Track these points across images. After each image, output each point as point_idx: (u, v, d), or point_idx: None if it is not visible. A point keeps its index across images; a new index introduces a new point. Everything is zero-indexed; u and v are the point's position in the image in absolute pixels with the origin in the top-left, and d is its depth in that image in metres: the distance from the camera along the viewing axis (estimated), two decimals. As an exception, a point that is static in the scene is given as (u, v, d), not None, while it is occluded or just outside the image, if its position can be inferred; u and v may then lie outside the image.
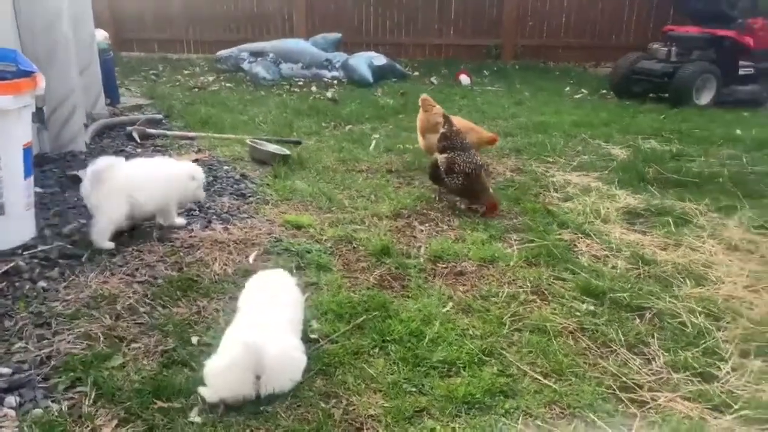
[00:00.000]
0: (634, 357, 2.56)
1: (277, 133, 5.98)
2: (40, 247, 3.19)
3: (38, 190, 3.80)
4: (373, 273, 3.23)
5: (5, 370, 2.30)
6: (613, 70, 8.43)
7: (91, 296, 2.83)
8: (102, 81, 6.01)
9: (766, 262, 3.43)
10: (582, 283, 3.12)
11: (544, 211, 4.09)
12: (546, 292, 3.08)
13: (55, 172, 4.37)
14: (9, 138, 3.13)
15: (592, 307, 2.92)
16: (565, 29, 10.61)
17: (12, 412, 2.11)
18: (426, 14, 10.89)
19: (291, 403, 2.22)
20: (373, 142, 5.81)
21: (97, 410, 2.15)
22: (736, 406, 2.24)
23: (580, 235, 3.75)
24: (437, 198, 4.34)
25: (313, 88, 8.71)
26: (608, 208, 4.15)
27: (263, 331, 2.26)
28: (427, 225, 3.90)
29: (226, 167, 4.82)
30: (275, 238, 3.58)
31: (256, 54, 9.70)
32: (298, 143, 5.62)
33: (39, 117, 3.47)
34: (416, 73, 9.95)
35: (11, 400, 2.16)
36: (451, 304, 2.93)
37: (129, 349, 2.51)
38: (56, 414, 2.12)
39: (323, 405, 2.22)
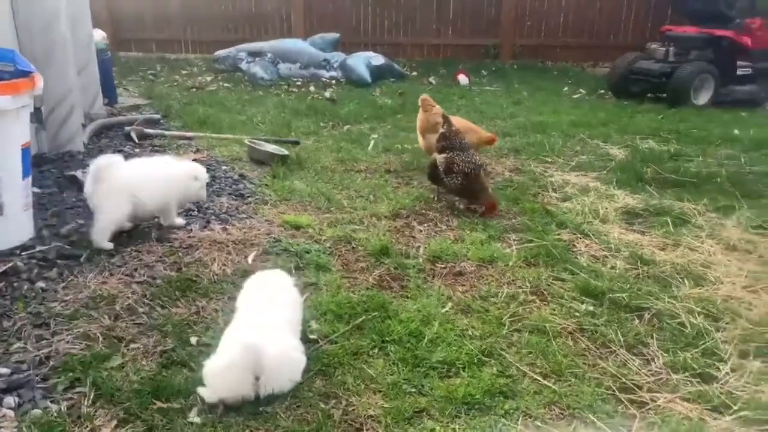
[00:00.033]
0: (634, 358, 2.57)
1: (276, 133, 5.97)
2: (38, 248, 3.19)
3: (36, 190, 3.79)
4: (372, 273, 3.23)
5: (4, 371, 2.30)
6: (611, 70, 8.44)
7: (90, 296, 2.82)
8: (100, 81, 6.00)
9: (765, 262, 3.44)
10: (581, 283, 3.12)
11: (543, 211, 4.09)
12: (545, 292, 3.08)
13: (53, 172, 4.36)
14: (7, 138, 3.12)
15: (591, 308, 2.92)
16: (563, 29, 10.62)
17: (11, 413, 2.11)
18: (424, 14, 10.89)
19: (290, 403, 2.21)
20: (372, 142, 5.80)
21: (96, 411, 2.15)
22: (735, 407, 2.24)
23: (578, 235, 3.75)
24: (436, 198, 4.34)
25: (312, 88, 8.71)
26: (607, 208, 4.15)
27: (262, 331, 2.26)
28: (425, 225, 3.90)
29: (224, 167, 4.82)
30: (274, 238, 3.58)
31: (254, 54, 9.69)
32: (297, 143, 5.61)
33: (37, 117, 3.46)
34: (414, 73, 9.94)
35: (10, 400, 2.16)
36: (450, 304, 2.93)
37: (128, 349, 2.50)
38: (55, 414, 2.11)
39: (323, 405, 2.22)
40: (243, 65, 9.59)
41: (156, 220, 3.61)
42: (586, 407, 2.25)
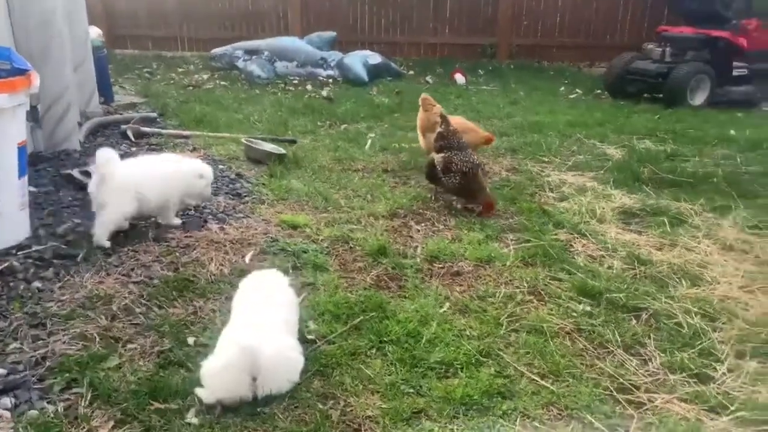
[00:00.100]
0: (631, 358, 2.57)
1: (272, 131, 5.96)
2: (34, 247, 3.17)
3: (32, 189, 3.77)
4: (369, 273, 3.22)
5: (0, 371, 2.29)
6: (608, 70, 8.46)
7: (87, 296, 2.81)
8: (96, 79, 5.97)
9: (761, 263, 3.45)
10: (578, 283, 3.12)
11: (540, 211, 4.09)
12: (542, 292, 3.08)
13: (49, 171, 4.34)
14: (3, 137, 3.10)
15: (588, 308, 2.93)
16: (560, 29, 10.63)
17: (7, 414, 2.10)
18: (421, 13, 10.88)
19: (288, 404, 2.21)
20: (369, 141, 5.80)
21: (93, 411, 2.14)
22: (732, 408, 2.25)
23: (575, 235, 3.75)
24: (433, 197, 4.33)
25: (308, 87, 8.69)
26: (604, 208, 4.16)
27: (259, 331, 2.25)
28: (423, 225, 3.90)
29: (221, 166, 4.81)
30: (271, 238, 3.57)
31: (250, 52, 9.67)
32: (294, 142, 5.60)
33: (33, 115, 3.45)
34: (411, 72, 9.94)
35: (6, 401, 2.15)
36: (448, 304, 2.93)
37: (125, 349, 2.49)
38: (52, 415, 2.10)
39: (321, 406, 2.21)
40: (240, 63, 9.57)
41: (153, 219, 3.60)
42: (583, 408, 2.25)
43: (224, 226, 3.68)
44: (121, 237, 3.40)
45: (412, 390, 2.31)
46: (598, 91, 8.57)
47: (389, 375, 2.39)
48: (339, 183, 4.59)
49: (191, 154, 5.04)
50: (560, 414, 2.23)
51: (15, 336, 2.50)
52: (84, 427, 2.07)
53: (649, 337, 2.70)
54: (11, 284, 2.85)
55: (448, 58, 10.61)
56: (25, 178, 3.31)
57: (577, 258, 3.46)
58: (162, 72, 9.70)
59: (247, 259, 3.29)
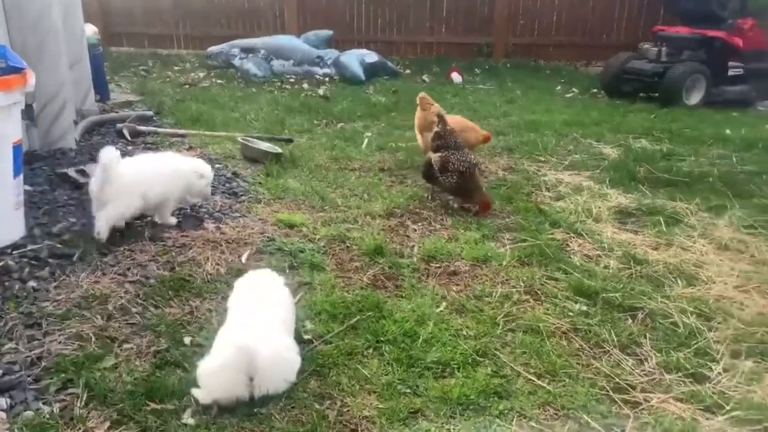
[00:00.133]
0: (627, 357, 2.58)
1: (269, 130, 5.95)
2: (29, 247, 3.16)
3: (27, 188, 3.75)
4: (366, 273, 3.22)
5: (-5, 372, 2.28)
6: (604, 69, 8.47)
7: (82, 296, 2.80)
8: (91, 77, 5.94)
9: (756, 262, 3.46)
10: (575, 283, 3.13)
11: (537, 211, 4.10)
12: (539, 292, 3.09)
13: (44, 169, 4.32)
14: (-1, 136, 3.09)
15: (584, 308, 2.93)
16: (556, 28, 10.64)
17: (2, 415, 2.09)
18: (418, 12, 10.88)
19: (285, 404, 2.21)
20: (366, 140, 5.79)
21: (89, 412, 2.14)
22: (728, 407, 2.26)
23: (572, 234, 3.76)
24: (430, 197, 4.34)
25: (305, 86, 8.68)
26: (600, 208, 4.17)
27: (256, 331, 2.25)
28: (420, 224, 3.90)
29: (217, 165, 4.78)
30: (268, 237, 3.56)
31: (247, 50, 9.65)
32: (290, 141, 5.59)
33: (28, 114, 3.43)
34: (408, 71, 9.94)
35: (2, 402, 2.14)
36: (444, 304, 2.94)
37: (121, 349, 2.49)
38: (47, 416, 2.10)
39: (317, 406, 2.21)
40: (236, 61, 9.54)
41: (149, 219, 3.59)
42: (580, 407, 2.26)
43: (220, 226, 3.67)
44: (116, 236, 3.39)
45: (408, 390, 2.32)
46: (595, 91, 8.59)
47: (386, 375, 2.39)
48: (336, 182, 4.59)
49: (188, 153, 5.03)
50: (557, 414, 2.23)
51: (10, 336, 2.49)
52: (80, 428, 2.06)
53: (645, 337, 2.71)
54: (6, 284, 2.83)
55: (444, 57, 10.61)
56: (21, 177, 3.29)
57: (574, 257, 3.47)
58: (158, 70, 9.67)
59: (243, 259, 3.28)
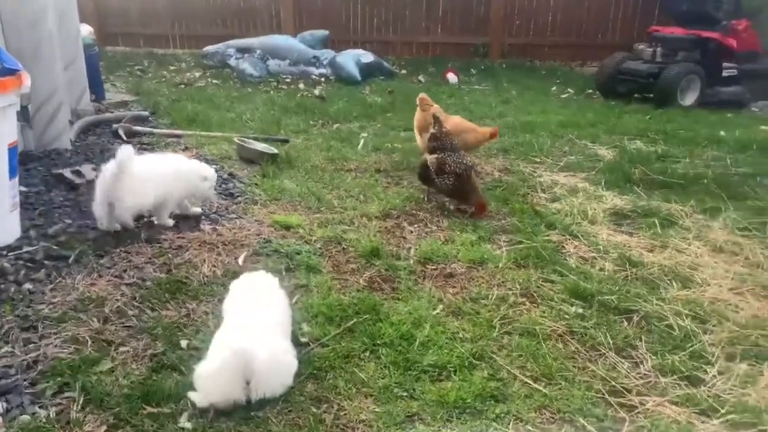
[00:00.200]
0: (623, 360, 2.59)
1: (265, 131, 5.94)
2: (25, 248, 3.15)
3: (23, 189, 3.74)
4: (363, 275, 3.23)
5: (-9, 376, 2.27)
6: (599, 70, 8.48)
7: (79, 299, 2.79)
8: (87, 77, 5.92)
9: (750, 264, 3.48)
10: (570, 285, 3.14)
11: (532, 212, 4.11)
12: (535, 294, 3.10)
13: (39, 170, 4.30)
14: (-6, 138, 3.08)
15: (580, 310, 2.95)
16: (552, 28, 10.65)
17: (-1, 419, 2.09)
18: (414, 12, 10.87)
19: (282, 408, 2.21)
20: (362, 140, 5.79)
21: (85, 416, 2.14)
22: (723, 410, 2.28)
23: (567, 236, 3.77)
24: (426, 198, 4.34)
25: (301, 86, 8.67)
26: (595, 209, 4.18)
27: (252, 334, 2.25)
28: (416, 226, 3.90)
29: (213, 166, 4.76)
30: (264, 239, 3.56)
31: (243, 50, 9.62)
32: (286, 141, 5.58)
33: (24, 115, 3.42)
34: (404, 71, 9.93)
35: (-2, 406, 2.14)
36: (441, 306, 2.94)
37: (117, 353, 2.48)
38: (44, 420, 2.10)
39: (314, 410, 2.22)
40: (232, 61, 9.51)
41: (146, 220, 3.59)
42: (576, 411, 2.27)
43: (217, 227, 3.67)
44: (112, 238, 3.38)
45: (405, 393, 2.32)
46: (590, 91, 8.60)
47: (383, 378, 2.40)
48: (332, 183, 4.59)
49: (184, 154, 5.02)
50: (553, 417, 2.24)
51: (6, 339, 2.49)
52: (76, 432, 2.06)
53: (641, 340, 2.72)
54: (2, 286, 2.83)
55: (440, 58, 10.60)
56: (16, 179, 3.29)
57: (569, 259, 3.48)
58: (153, 70, 9.63)
59: (240, 261, 3.28)
